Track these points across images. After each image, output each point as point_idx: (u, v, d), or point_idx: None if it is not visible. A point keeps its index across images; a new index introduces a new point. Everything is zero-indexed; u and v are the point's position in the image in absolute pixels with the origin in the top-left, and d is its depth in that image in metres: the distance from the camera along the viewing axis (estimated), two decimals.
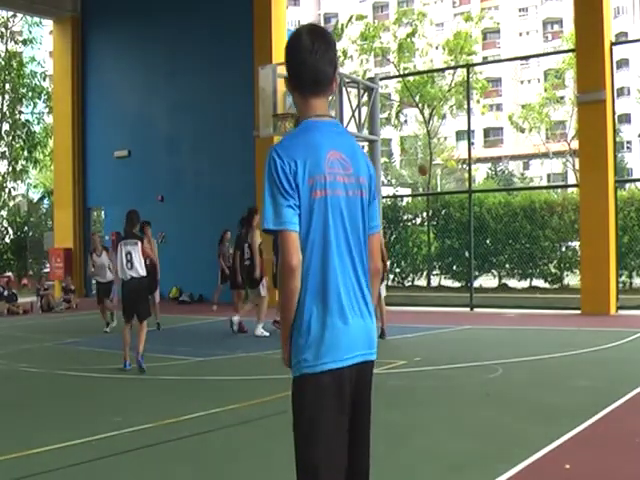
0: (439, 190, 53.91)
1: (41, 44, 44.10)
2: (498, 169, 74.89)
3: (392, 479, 6.72)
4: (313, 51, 3.82)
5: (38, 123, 42.44)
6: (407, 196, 38.04)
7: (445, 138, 60.37)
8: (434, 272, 31.64)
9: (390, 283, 30.35)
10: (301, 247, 3.58)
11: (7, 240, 41.52)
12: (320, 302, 3.62)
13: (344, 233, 3.68)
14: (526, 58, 67.00)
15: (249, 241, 17.49)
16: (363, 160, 3.84)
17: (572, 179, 50.43)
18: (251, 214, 17.55)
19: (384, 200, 23.93)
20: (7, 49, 39.47)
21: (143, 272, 12.95)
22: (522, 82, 79.02)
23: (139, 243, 12.97)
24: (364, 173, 3.80)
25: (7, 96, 39.43)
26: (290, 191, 3.58)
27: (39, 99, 40.48)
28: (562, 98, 48.78)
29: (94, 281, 21.49)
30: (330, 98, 4.20)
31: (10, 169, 40.01)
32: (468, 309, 22.94)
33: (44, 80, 40.98)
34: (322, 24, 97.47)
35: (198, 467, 7.22)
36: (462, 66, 36.94)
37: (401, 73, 40.48)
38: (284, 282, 3.60)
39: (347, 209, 3.70)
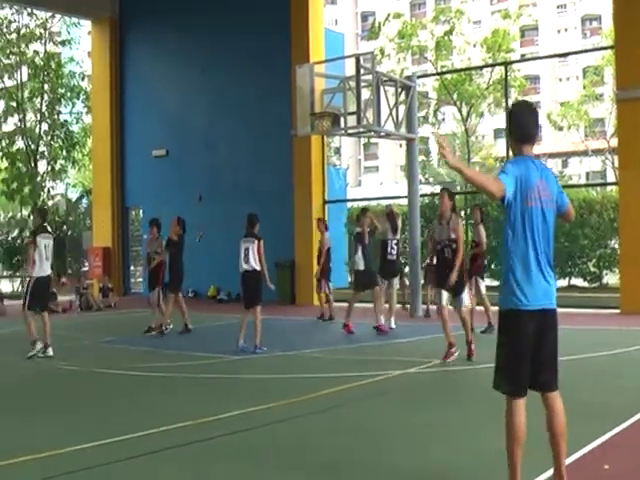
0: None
1: (79, 44, 44.31)
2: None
3: (437, 477, 6.75)
4: (525, 118, 6.02)
5: (77, 123, 42.64)
6: None
7: (483, 136, 60.16)
8: None
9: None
10: (513, 232, 5.81)
11: None
12: (521, 267, 5.81)
13: (538, 229, 5.81)
14: (564, 55, 66.71)
15: (394, 237, 18.13)
16: (553, 182, 6.00)
17: (611, 177, 49.93)
18: (391, 214, 18.37)
19: (421, 199, 23.72)
20: (46, 50, 39.70)
21: (257, 266, 14.73)
22: (560, 79, 78.56)
23: (255, 241, 14.78)
24: (555, 192, 5.98)
25: (46, 96, 39.63)
26: (510, 174, 5.74)
27: (77, 99, 40.64)
28: (601, 95, 48.38)
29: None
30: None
31: (49, 169, 40.20)
32: None
33: (82, 80, 41.18)
34: (359, 23, 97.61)
35: (233, 466, 7.23)
36: (500, 64, 36.68)
37: (439, 71, 40.30)
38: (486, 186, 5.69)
39: (543, 215, 5.83)
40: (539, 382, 5.88)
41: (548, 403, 5.93)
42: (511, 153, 6.03)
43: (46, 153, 39.86)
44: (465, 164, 5.73)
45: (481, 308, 16.72)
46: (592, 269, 28.04)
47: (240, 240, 15.04)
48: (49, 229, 15.29)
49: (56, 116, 40.31)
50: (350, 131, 21.58)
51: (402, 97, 21.90)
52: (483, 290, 16.78)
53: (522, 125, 6.02)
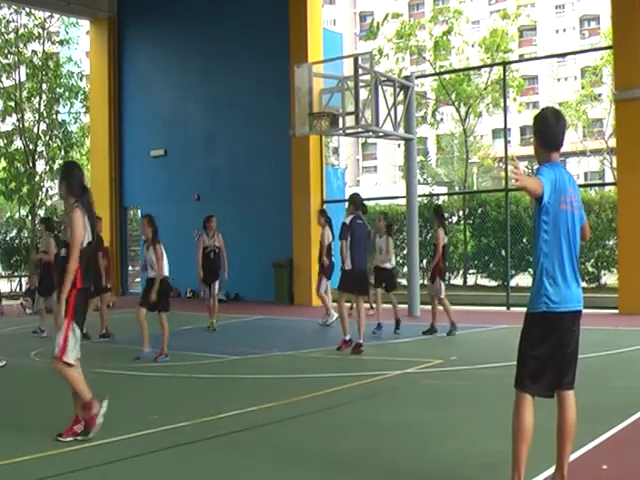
0: (475, 189, 53.56)
1: (78, 44, 44.21)
2: (535, 167, 74.36)
3: (436, 476, 6.76)
4: (555, 126, 6.06)
5: (75, 123, 42.62)
6: (443, 195, 37.85)
7: (481, 136, 59.99)
8: (470, 271, 31.51)
9: (426, 282, 30.23)
10: (550, 235, 5.90)
11: None
12: (557, 269, 5.98)
13: (570, 233, 5.99)
14: (563, 55, 66.50)
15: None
16: (578, 193, 6.24)
17: (609, 177, 50.01)
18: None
19: (420, 199, 23.72)
20: (44, 50, 39.62)
21: None
22: (559, 80, 78.49)
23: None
24: (579, 200, 6.23)
25: (44, 96, 39.54)
26: (546, 177, 5.78)
27: (76, 99, 40.56)
28: (599, 95, 48.36)
29: None
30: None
31: (47, 168, 40.09)
32: (504, 308, 22.83)
33: (81, 80, 41.09)
34: (358, 22, 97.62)
35: (233, 465, 7.24)
36: (498, 64, 36.68)
37: (437, 71, 40.32)
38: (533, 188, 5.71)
39: (573, 220, 6.03)
40: (563, 381, 6.24)
41: (565, 401, 6.24)
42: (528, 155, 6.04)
43: (44, 153, 39.76)
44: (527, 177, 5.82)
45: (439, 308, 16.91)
46: (590, 269, 28.05)
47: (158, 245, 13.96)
48: None
49: (54, 116, 40.22)
50: (348, 131, 21.58)
51: (400, 97, 21.90)
52: (442, 293, 16.82)
53: (550, 133, 6.11)
